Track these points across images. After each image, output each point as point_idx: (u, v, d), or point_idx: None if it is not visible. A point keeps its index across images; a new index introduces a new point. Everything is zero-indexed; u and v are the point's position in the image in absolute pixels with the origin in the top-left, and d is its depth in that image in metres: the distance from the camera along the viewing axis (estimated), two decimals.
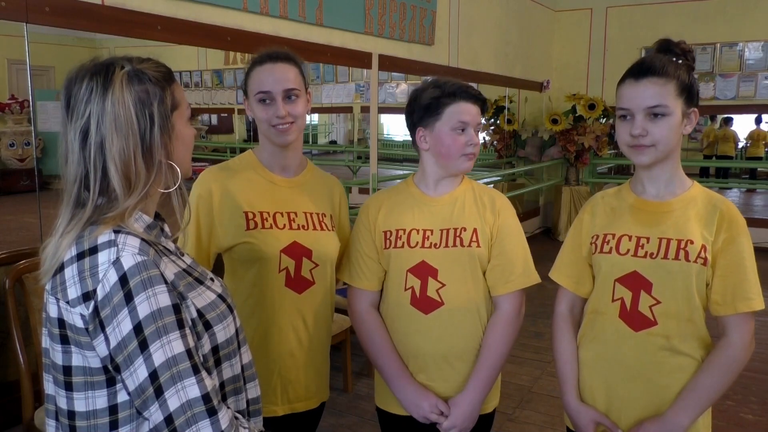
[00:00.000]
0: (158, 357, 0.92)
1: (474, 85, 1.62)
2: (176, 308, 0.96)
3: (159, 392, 0.91)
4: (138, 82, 1.01)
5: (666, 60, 1.41)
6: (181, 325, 0.95)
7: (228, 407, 0.96)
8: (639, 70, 1.40)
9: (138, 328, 0.92)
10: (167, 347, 0.92)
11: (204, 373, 0.95)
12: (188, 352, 0.94)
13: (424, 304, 1.58)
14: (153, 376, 0.91)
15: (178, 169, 1.06)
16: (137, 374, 0.92)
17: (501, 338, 1.59)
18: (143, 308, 0.92)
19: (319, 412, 1.76)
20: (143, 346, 0.91)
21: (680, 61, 1.42)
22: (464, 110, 1.56)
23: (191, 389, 0.92)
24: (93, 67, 1.01)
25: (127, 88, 0.99)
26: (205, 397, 0.93)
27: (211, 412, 0.93)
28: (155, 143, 1.01)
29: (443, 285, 1.57)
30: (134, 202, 1.00)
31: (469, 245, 1.58)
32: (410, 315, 1.59)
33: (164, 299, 0.94)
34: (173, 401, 0.91)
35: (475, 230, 1.59)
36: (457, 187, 1.64)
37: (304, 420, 1.71)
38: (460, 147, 1.57)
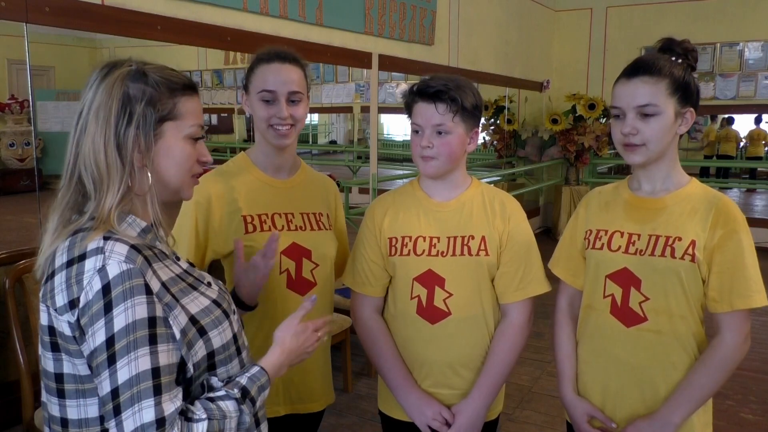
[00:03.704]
0: (123, 374, 0.90)
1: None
2: (152, 321, 0.94)
3: (117, 411, 0.90)
4: (133, 81, 1.00)
5: (661, 58, 1.39)
6: (153, 340, 0.93)
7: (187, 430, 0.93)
8: (632, 69, 1.40)
9: (110, 341, 0.91)
10: (133, 364, 0.91)
11: (165, 396, 0.92)
12: (155, 370, 0.92)
13: (431, 313, 1.54)
14: (114, 393, 0.90)
15: (150, 176, 1.03)
16: (102, 386, 0.92)
17: (508, 347, 1.55)
18: (119, 320, 0.91)
19: (321, 413, 1.75)
20: (111, 360, 0.91)
21: (679, 60, 1.40)
22: (417, 112, 1.50)
23: (147, 412, 0.90)
24: (106, 63, 1.03)
25: (119, 82, 0.99)
26: (159, 422, 0.90)
27: None
28: (127, 141, 1.00)
29: (450, 294, 1.53)
30: (112, 201, 0.99)
31: (477, 254, 1.53)
32: (416, 324, 1.55)
33: (141, 311, 0.93)
34: (128, 424, 0.90)
35: (483, 238, 1.54)
36: (464, 192, 1.58)
37: (307, 422, 1.71)
38: (416, 149, 1.52)
